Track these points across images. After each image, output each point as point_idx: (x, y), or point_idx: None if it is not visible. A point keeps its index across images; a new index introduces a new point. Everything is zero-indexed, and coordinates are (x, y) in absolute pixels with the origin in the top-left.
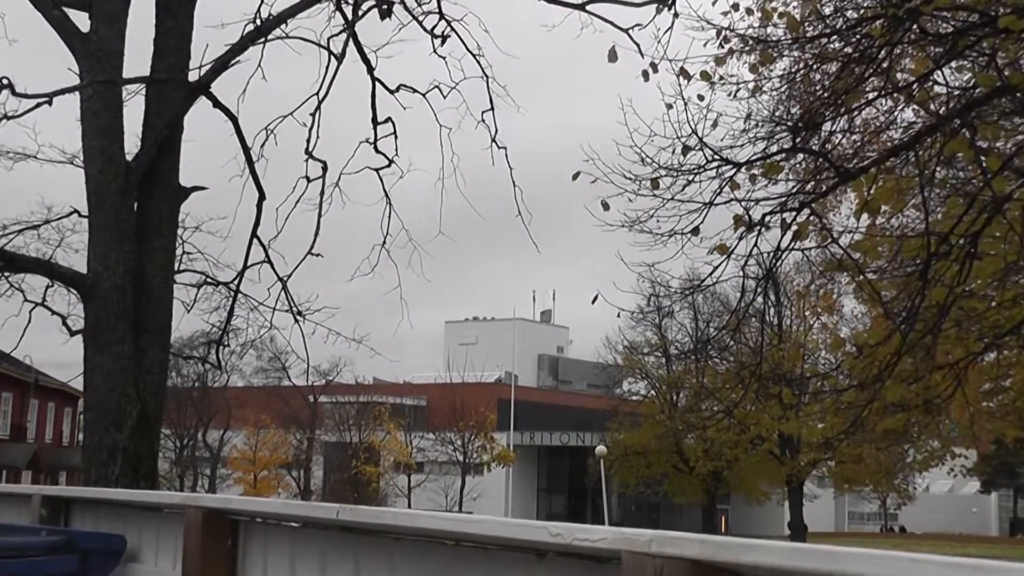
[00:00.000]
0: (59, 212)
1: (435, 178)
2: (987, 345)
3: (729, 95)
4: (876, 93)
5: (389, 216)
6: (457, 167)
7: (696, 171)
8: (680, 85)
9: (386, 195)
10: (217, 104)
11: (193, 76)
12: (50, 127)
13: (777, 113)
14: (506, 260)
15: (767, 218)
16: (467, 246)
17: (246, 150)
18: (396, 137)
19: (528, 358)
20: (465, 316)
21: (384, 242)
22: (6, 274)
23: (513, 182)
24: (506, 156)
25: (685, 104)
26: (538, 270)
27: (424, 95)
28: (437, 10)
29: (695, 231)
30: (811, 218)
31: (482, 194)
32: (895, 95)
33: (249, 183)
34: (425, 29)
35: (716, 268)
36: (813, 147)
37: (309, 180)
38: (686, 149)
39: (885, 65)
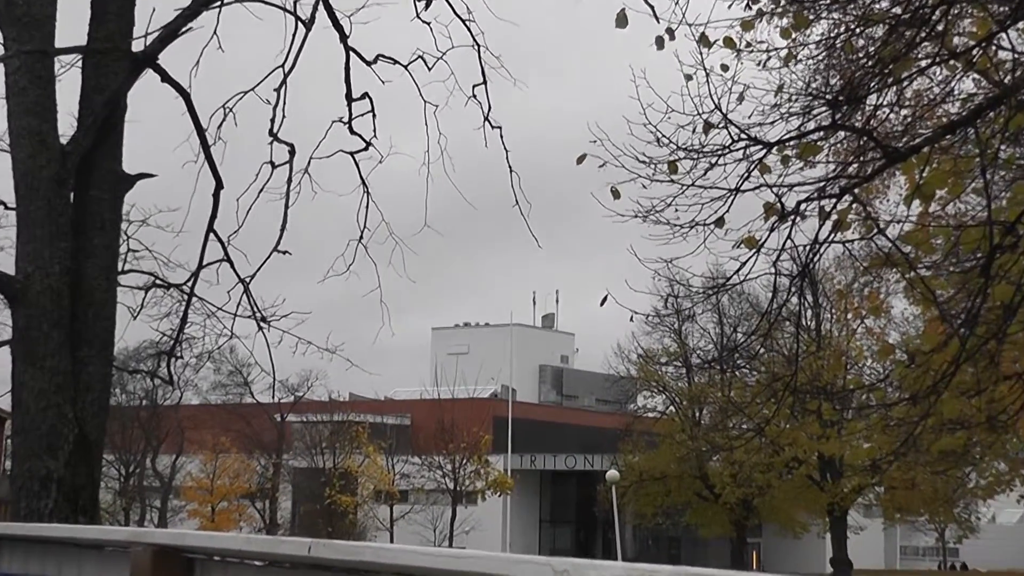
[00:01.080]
0: None
1: (419, 163)
2: None
3: (758, 64)
4: (929, 61)
5: (367, 207)
6: (445, 150)
7: (720, 152)
8: (701, 54)
9: (363, 183)
10: (166, 78)
11: (138, 46)
12: None
13: (814, 85)
14: (502, 257)
15: (803, 206)
16: (457, 241)
17: (200, 131)
18: (374, 116)
19: (528, 369)
20: (455, 322)
21: (361, 237)
22: None
23: (509, 166)
24: (501, 137)
25: (707, 75)
26: (539, 268)
27: (406, 67)
28: None
29: (719, 222)
30: (854, 206)
31: (474, 182)
32: (951, 62)
33: (205, 170)
34: None
35: (744, 264)
36: (856, 124)
37: (274, 166)
38: (708, 127)
39: (940, 28)
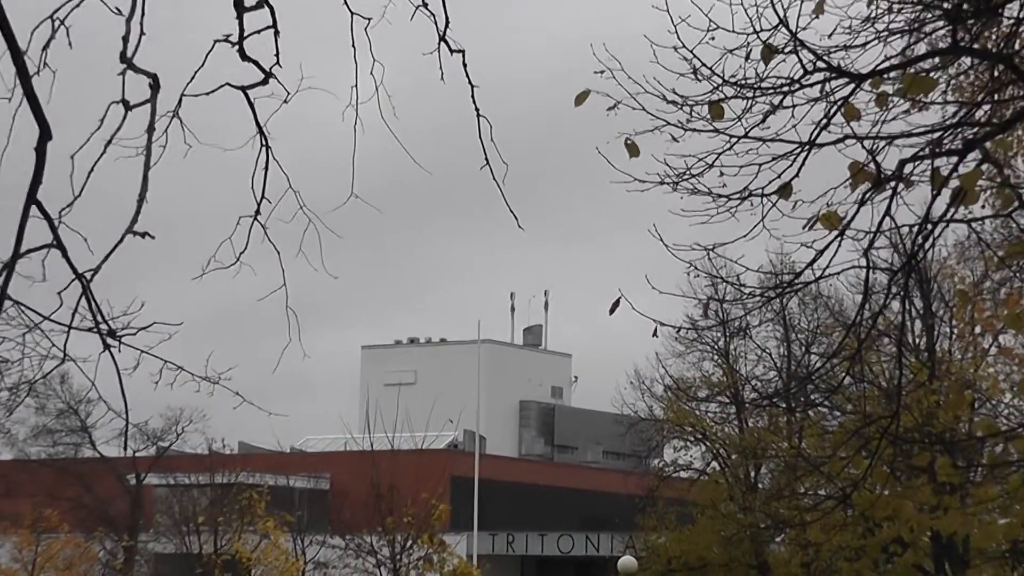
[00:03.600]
0: None
1: (343, 104)
2: None
3: None
4: None
5: (266, 167)
6: (381, 85)
7: (787, 89)
8: None
9: (261, 132)
10: None
11: None
12: None
13: None
14: (466, 244)
15: (908, 168)
16: (402, 221)
17: (17, 56)
18: (277, 33)
19: (504, 407)
20: (396, 337)
21: (257, 212)
22: None
23: (476, 109)
24: (464, 66)
25: None
26: (520, 260)
27: None
28: None
29: (784, 190)
30: (984, 167)
31: (427, 134)
32: None
33: (24, 112)
34: None
35: (821, 253)
36: (987, 46)
37: (128, 107)
38: (769, 52)
39: None
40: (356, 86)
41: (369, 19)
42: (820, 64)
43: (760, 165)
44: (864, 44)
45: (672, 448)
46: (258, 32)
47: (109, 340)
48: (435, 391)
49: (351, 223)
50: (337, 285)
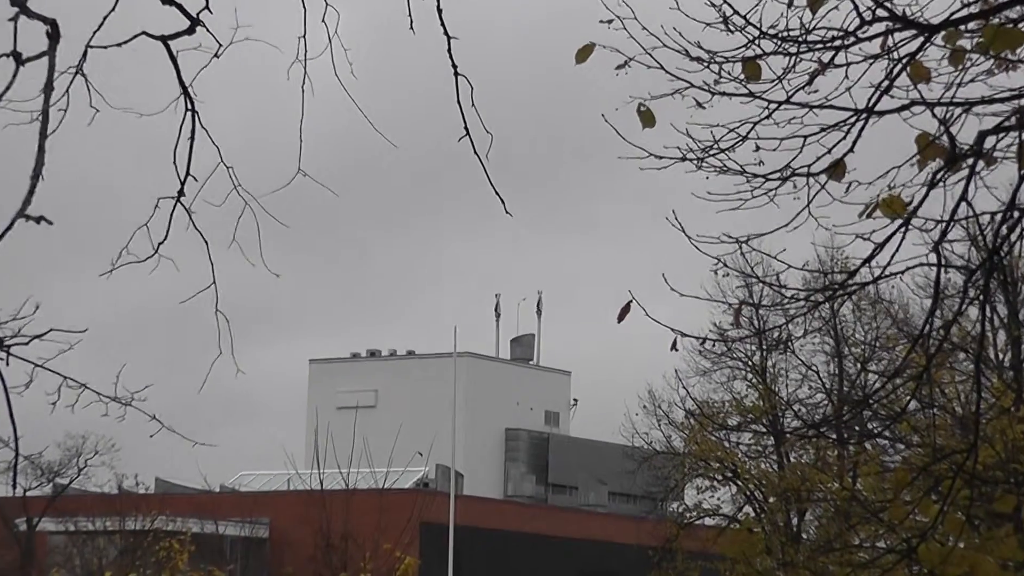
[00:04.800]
0: None
1: (289, 59)
2: None
3: None
4: None
5: (191, 137)
6: (336, 35)
7: (839, 42)
8: None
9: (185, 94)
10: None
11: None
12: None
13: None
14: (441, 235)
15: (989, 141)
16: (363, 206)
17: None
18: None
19: (486, 436)
20: (353, 350)
21: (180, 192)
22: None
23: (454, 66)
24: (439, 12)
25: None
26: (507, 254)
27: None
28: None
29: (835, 169)
30: None
31: (394, 101)
32: None
33: None
34: None
35: (881, 247)
36: None
37: (20, 61)
38: None
39: None
40: (304, 36)
41: None
42: (881, 12)
43: (805, 138)
44: None
45: (695, 489)
46: None
47: None
48: (400, 416)
49: (300, 209)
50: (281, 285)
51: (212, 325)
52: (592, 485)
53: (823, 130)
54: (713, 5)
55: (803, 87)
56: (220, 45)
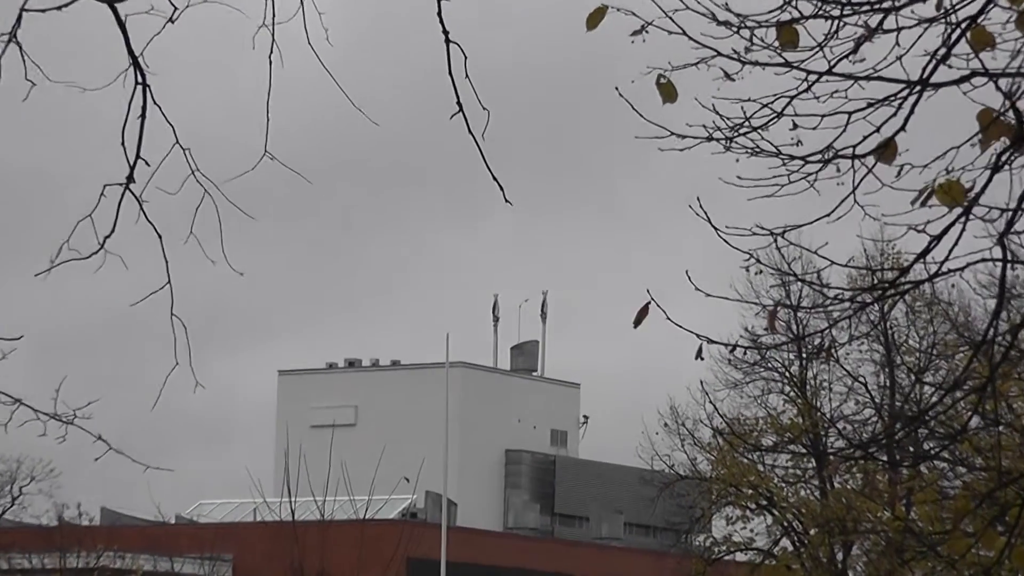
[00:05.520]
0: None
1: (255, 25)
2: None
3: None
4: None
5: (143, 115)
6: None
7: (889, 4)
8: None
9: (136, 66)
10: None
11: None
12: None
13: None
14: (434, 228)
15: None
16: (340, 196)
17: None
18: None
19: (483, 458)
20: (330, 359)
21: (130, 178)
22: None
23: (444, 33)
24: None
25: None
26: (508, 249)
27: None
28: None
29: (885, 149)
30: None
31: (375, 73)
32: None
33: None
34: None
35: (938, 240)
36: None
37: None
38: None
39: None
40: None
41: None
42: None
43: (850, 114)
44: None
45: (725, 519)
46: None
47: None
48: (384, 436)
49: (268, 198)
50: (247, 285)
51: (167, 332)
52: (605, 515)
53: (870, 105)
54: None
55: (847, 56)
56: (175, 8)
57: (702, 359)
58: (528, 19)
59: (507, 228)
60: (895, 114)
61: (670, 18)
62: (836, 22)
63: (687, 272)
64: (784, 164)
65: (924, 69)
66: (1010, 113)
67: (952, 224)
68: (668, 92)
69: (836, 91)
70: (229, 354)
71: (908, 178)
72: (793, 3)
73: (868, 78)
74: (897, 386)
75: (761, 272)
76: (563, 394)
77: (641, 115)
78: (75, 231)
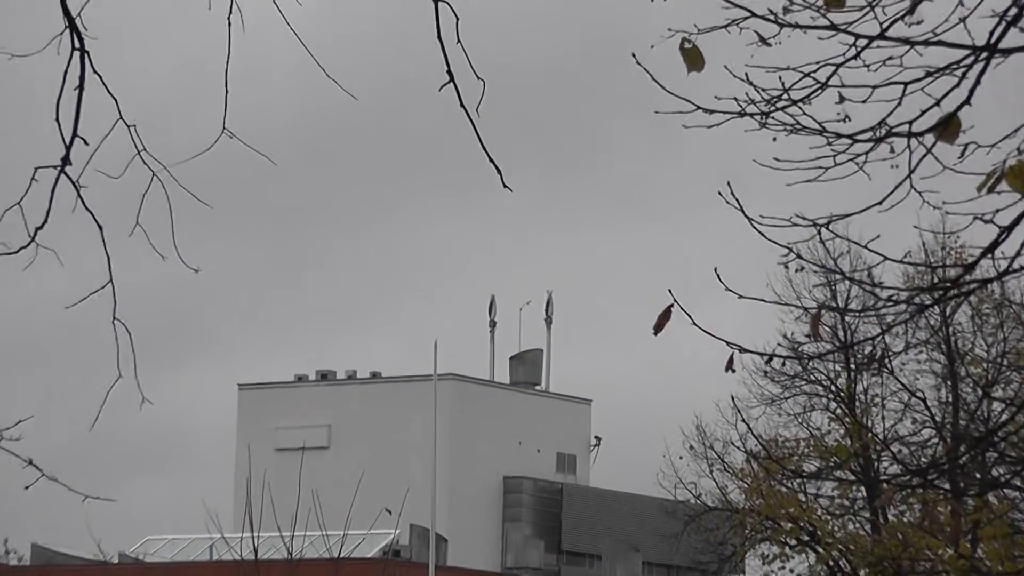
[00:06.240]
0: None
1: None
2: None
3: None
4: None
5: (81, 86)
6: None
7: None
8: None
9: (72, 29)
10: None
11: None
12: None
13: None
14: (419, 216)
15: None
16: (309, 178)
17: None
18: None
19: (478, 487)
20: (298, 372)
21: (65, 159)
22: None
23: None
24: None
25: None
26: (507, 242)
27: None
28: None
29: (947, 126)
30: None
31: (361, 44)
32: None
33: None
34: None
35: (1008, 232)
36: None
37: None
38: None
39: None
40: None
41: None
42: None
43: (906, 85)
44: None
45: (760, 557)
46: None
47: None
48: (362, 460)
49: (230, 186)
50: (203, 284)
51: (109, 339)
52: (620, 553)
53: (929, 75)
54: None
55: (902, 16)
56: None
57: (733, 371)
58: None
59: (506, 218)
60: (958, 85)
61: None
62: None
63: (716, 270)
64: (829, 143)
65: (992, 33)
66: None
67: None
68: (694, 59)
69: (890, 58)
70: (182, 365)
71: (973, 159)
72: None
73: (927, 43)
74: (961, 402)
75: (802, 269)
76: (571, 412)
77: (662, 86)
78: (1, 220)
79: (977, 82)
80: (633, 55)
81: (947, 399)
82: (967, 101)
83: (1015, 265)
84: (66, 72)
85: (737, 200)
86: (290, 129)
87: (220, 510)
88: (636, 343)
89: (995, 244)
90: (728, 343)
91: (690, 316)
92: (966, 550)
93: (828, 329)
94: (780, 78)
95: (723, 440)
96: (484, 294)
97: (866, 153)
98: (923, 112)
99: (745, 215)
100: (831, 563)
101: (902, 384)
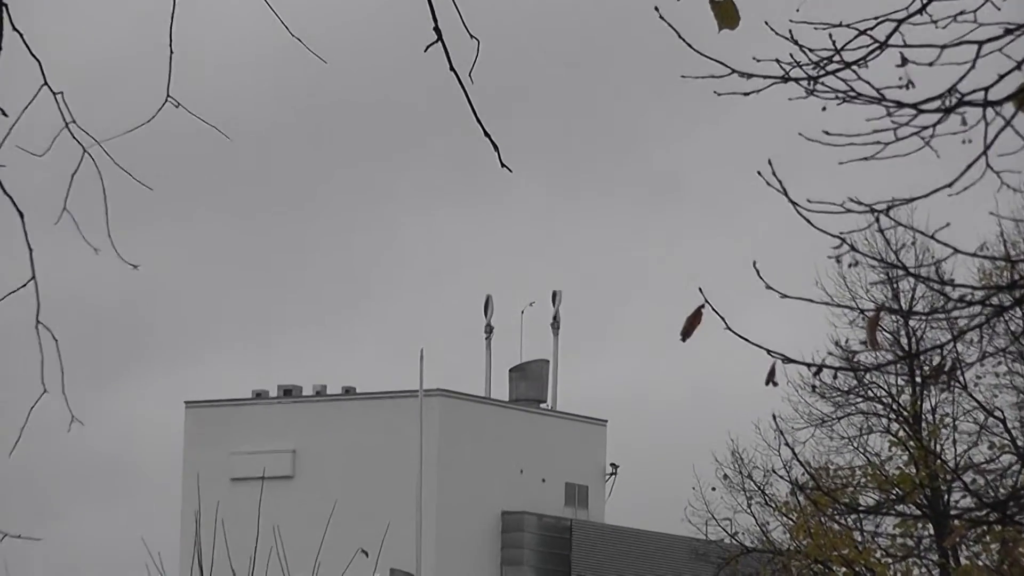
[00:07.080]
0: None
1: None
2: None
3: None
4: None
5: None
6: None
7: None
8: None
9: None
10: None
11: None
12: None
13: None
14: (401, 200)
15: None
16: (274, 155)
17: None
18: None
19: (471, 521)
20: (257, 387)
21: None
22: None
23: None
24: None
25: None
26: (507, 234)
27: None
28: None
29: None
30: None
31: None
32: None
33: None
34: None
35: None
36: None
37: None
38: None
39: None
40: None
41: None
42: None
43: (980, 43)
44: None
45: None
46: None
47: None
48: (332, 492)
49: (176, 166)
50: (143, 281)
51: (32, 347)
52: None
53: (1008, 32)
54: None
55: None
56: None
57: (775, 384)
58: None
59: (505, 205)
60: None
61: None
62: None
63: (755, 264)
64: (889, 114)
65: None
66: None
67: None
68: (727, 14)
69: (961, 12)
70: (119, 379)
71: None
72: None
73: None
74: None
75: (857, 264)
76: (583, 434)
77: (690, 45)
78: None
79: None
80: (656, 8)
81: None
82: None
83: None
84: None
85: (780, 182)
86: (253, 102)
87: (163, 550)
88: (660, 352)
89: None
90: (769, 352)
91: (724, 319)
92: None
93: (888, 335)
94: (831, 36)
95: (763, 468)
96: (479, 293)
97: (933, 126)
98: (1001, 77)
99: (789, 199)
100: None
101: (977, 401)
